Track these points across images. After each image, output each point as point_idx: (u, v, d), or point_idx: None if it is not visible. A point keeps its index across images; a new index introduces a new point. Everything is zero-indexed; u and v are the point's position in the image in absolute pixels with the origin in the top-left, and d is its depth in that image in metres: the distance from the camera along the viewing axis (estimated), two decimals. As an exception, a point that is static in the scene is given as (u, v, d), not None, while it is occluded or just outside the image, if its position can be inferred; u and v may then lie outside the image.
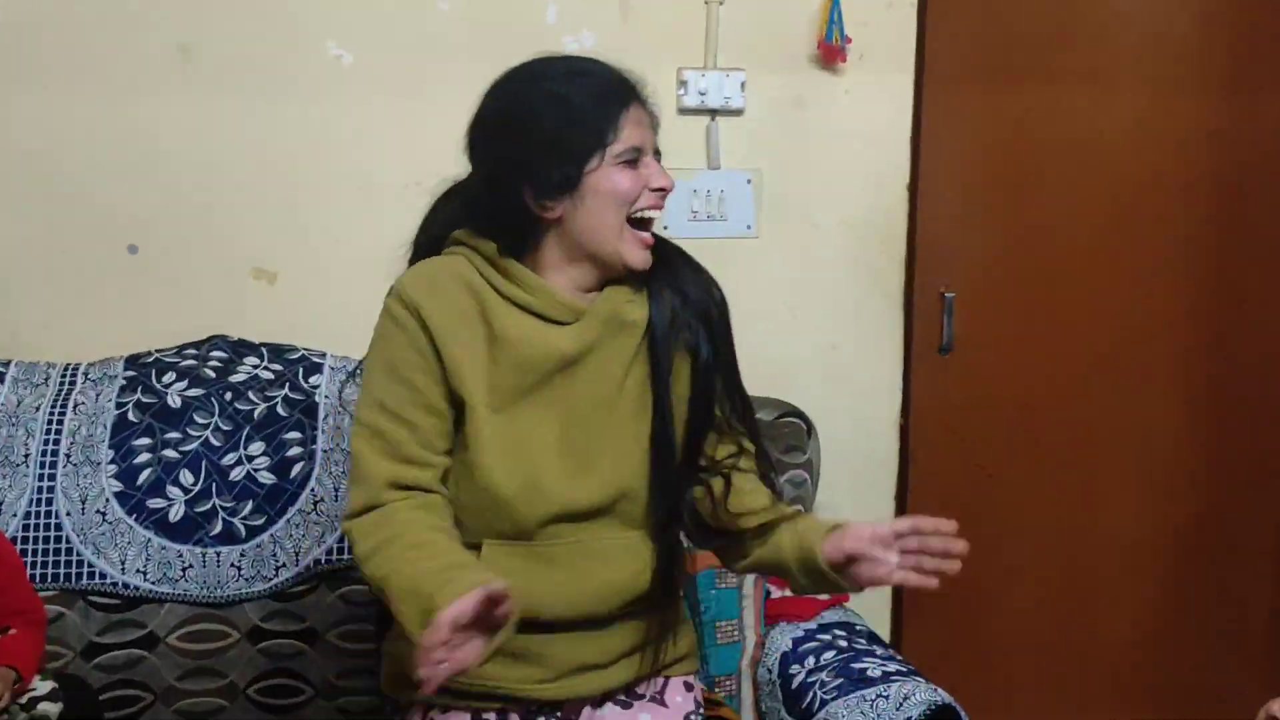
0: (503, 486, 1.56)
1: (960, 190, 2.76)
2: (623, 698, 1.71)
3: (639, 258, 1.56)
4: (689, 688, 1.77)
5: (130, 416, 2.26)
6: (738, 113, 2.62)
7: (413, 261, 1.69)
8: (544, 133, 1.53)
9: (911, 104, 2.68)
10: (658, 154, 1.60)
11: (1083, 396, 2.86)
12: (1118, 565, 2.91)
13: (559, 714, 1.69)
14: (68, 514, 2.17)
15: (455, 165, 2.43)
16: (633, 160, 1.54)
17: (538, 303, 1.58)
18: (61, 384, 2.31)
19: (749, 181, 2.65)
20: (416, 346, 1.55)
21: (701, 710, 1.77)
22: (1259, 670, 2.90)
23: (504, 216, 1.58)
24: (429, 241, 1.68)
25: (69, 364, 2.36)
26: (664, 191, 1.57)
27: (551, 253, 1.58)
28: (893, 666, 2.15)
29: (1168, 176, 2.81)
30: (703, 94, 2.57)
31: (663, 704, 1.71)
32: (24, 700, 1.90)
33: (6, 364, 2.32)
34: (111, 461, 2.21)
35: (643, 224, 1.58)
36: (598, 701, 1.70)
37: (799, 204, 2.70)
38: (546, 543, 1.59)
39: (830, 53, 2.57)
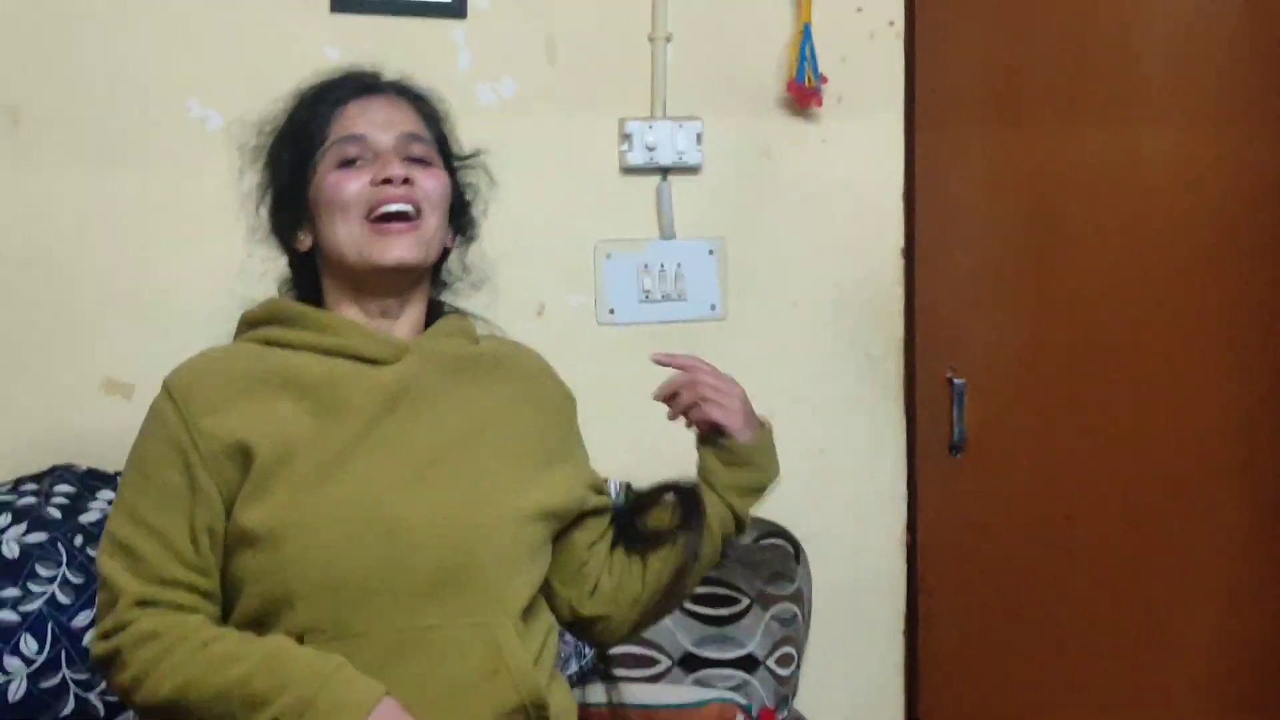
0: (330, 558, 1.35)
1: (966, 252, 2.60)
2: None
3: (391, 254, 1.38)
4: None
5: (-47, 574, 2.33)
6: (694, 170, 2.47)
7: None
8: (271, 158, 1.44)
9: (903, 150, 2.52)
10: (418, 142, 1.42)
11: (1126, 503, 2.65)
12: (1183, 703, 2.65)
13: None
14: (-128, 705, 2.26)
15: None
16: (351, 160, 1.39)
17: (343, 342, 1.39)
18: None
19: (711, 253, 2.51)
20: (179, 448, 1.33)
21: None
22: None
23: (294, 269, 1.47)
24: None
25: None
26: (393, 182, 1.37)
27: (332, 288, 1.44)
28: None
29: (1210, 219, 2.56)
30: (651, 149, 2.39)
31: None
32: None
33: None
34: (-74, 631, 2.29)
35: (390, 218, 1.44)
36: None
37: (772, 277, 2.58)
38: (383, 634, 1.32)
39: (802, 95, 2.40)
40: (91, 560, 2.00)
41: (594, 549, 1.55)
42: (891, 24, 2.51)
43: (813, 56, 2.38)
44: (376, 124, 1.40)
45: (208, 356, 1.48)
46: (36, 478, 2.15)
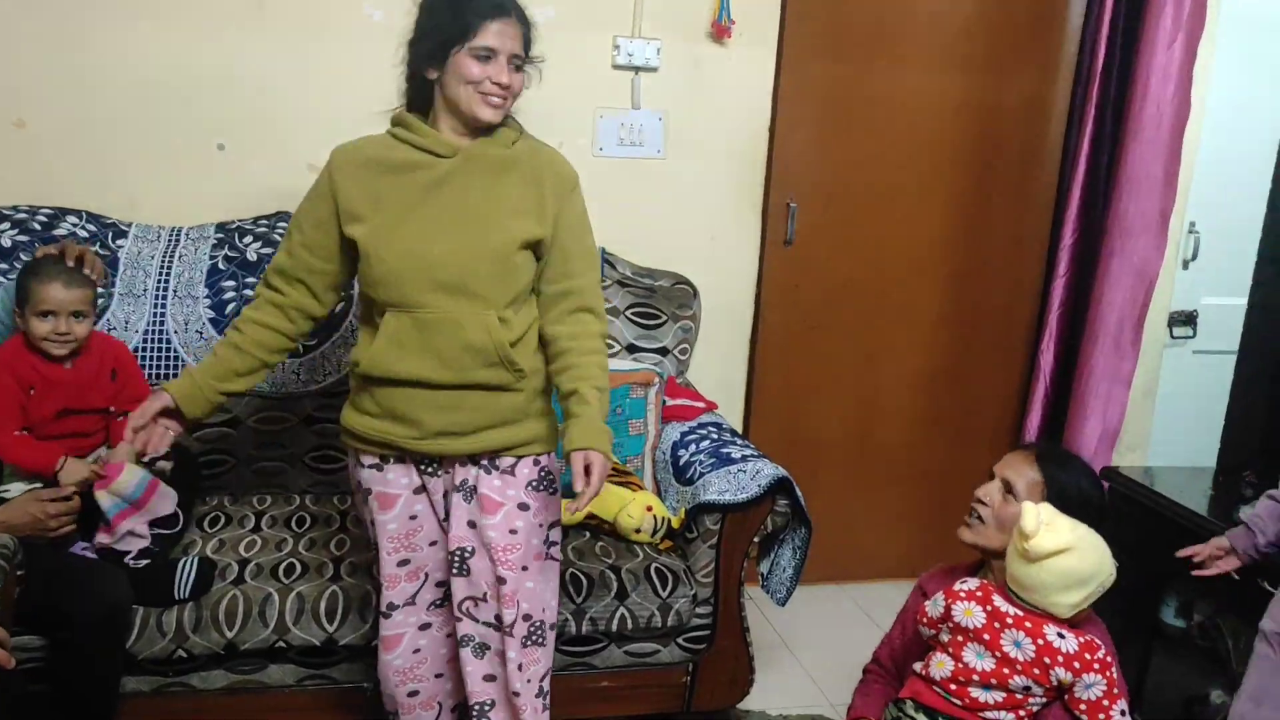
0: (390, 267, 1.75)
1: (803, 132, 3.03)
2: (485, 463, 1.84)
3: (487, 114, 1.75)
4: (536, 463, 1.86)
5: (220, 265, 2.55)
6: (654, 70, 2.86)
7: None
8: (433, 21, 1.76)
9: (774, 70, 2.97)
10: (517, 58, 1.75)
11: (879, 277, 3.20)
12: (894, 392, 3.32)
13: (437, 465, 1.87)
14: (175, 332, 2.49)
15: None
16: (486, 56, 1.71)
17: (423, 142, 1.77)
18: (169, 241, 2.60)
19: (660, 119, 2.91)
20: (321, 194, 1.81)
21: (545, 480, 1.88)
22: (985, 458, 3.25)
23: (411, 80, 1.82)
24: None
25: (174, 226, 2.63)
26: (501, 86, 1.74)
27: (439, 104, 1.78)
28: (749, 451, 2.42)
29: (943, 132, 3.15)
30: (630, 55, 2.83)
31: (511, 474, 1.84)
32: (146, 459, 2.14)
33: (129, 225, 2.58)
34: (206, 296, 2.53)
35: (488, 95, 1.74)
36: (463, 462, 1.84)
37: (695, 136, 2.92)
38: (425, 311, 1.74)
39: (720, 30, 2.88)
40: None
41: (540, 286, 1.86)
42: None
43: (728, 7, 2.84)
44: (503, 40, 1.72)
45: (357, 142, 1.83)
46: (267, 216, 2.69)
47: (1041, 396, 3.12)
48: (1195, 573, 1.92)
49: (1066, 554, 1.71)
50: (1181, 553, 1.92)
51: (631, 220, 2.90)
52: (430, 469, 1.86)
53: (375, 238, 1.74)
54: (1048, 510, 1.72)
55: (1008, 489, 1.84)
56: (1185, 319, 3.40)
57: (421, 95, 1.81)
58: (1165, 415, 3.44)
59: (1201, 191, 3.27)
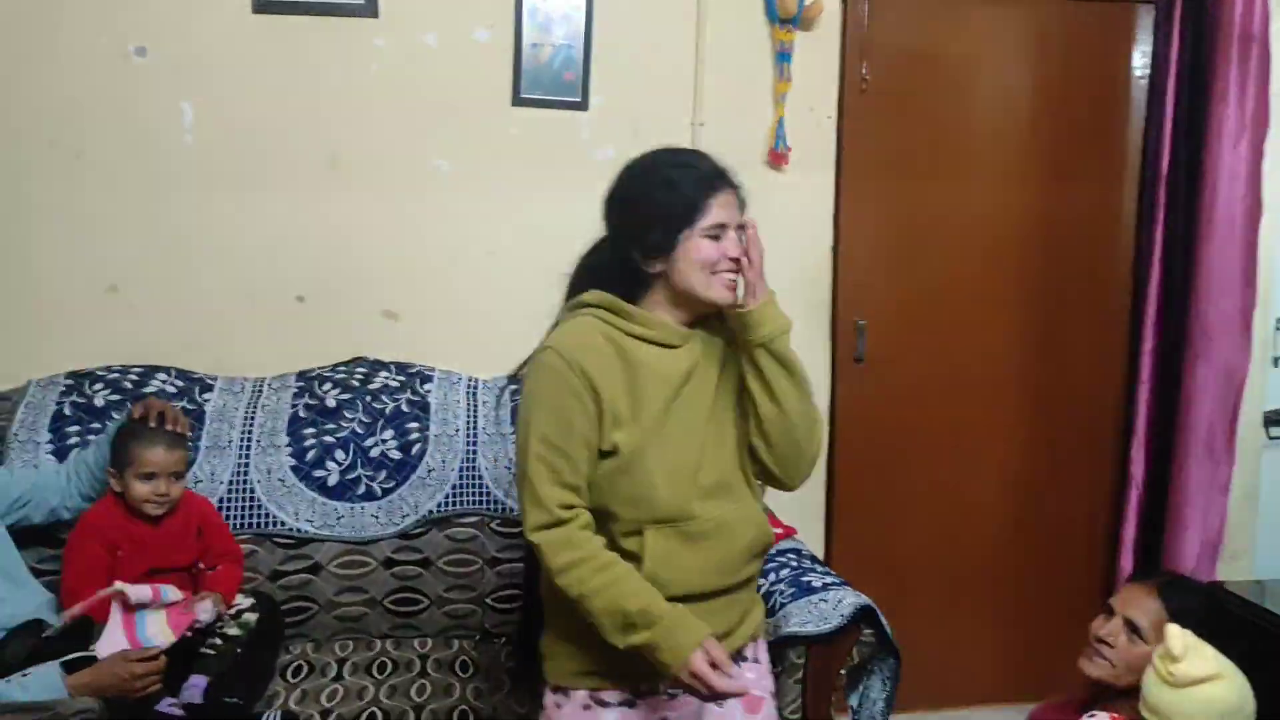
0: (659, 479, 1.60)
1: (867, 252, 3.03)
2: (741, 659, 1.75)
3: (725, 296, 1.63)
4: (756, 640, 1.80)
5: (300, 414, 2.59)
6: None
7: (568, 297, 1.73)
8: (653, 208, 1.61)
9: (833, 194, 2.99)
10: (741, 227, 1.65)
11: (955, 393, 3.17)
12: (980, 510, 3.24)
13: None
14: (258, 481, 2.51)
15: (516, 242, 2.70)
16: (716, 235, 1.61)
17: (658, 335, 1.64)
18: (253, 392, 2.65)
19: None
20: (577, 394, 1.58)
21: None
22: (1078, 573, 3.23)
23: (623, 271, 1.64)
24: (574, 284, 1.74)
25: (257, 378, 2.69)
26: (735, 262, 1.63)
27: (657, 296, 1.65)
28: (830, 579, 2.33)
29: (1010, 244, 3.14)
30: None
31: (756, 661, 1.79)
32: (232, 611, 2.22)
33: (214, 378, 2.65)
34: (288, 445, 2.56)
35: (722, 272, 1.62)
36: None
37: (765, 264, 3.06)
38: (694, 523, 1.62)
39: (776, 158, 2.91)
40: (375, 409, 2.56)
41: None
42: (829, 118, 2.94)
43: (784, 134, 2.87)
44: (730, 213, 1.63)
45: (575, 331, 1.63)
46: (346, 364, 2.74)
47: (1135, 507, 3.02)
48: None
49: (1214, 682, 1.64)
50: None
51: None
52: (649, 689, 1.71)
53: (639, 447, 1.61)
54: (1192, 636, 1.66)
55: (1132, 628, 1.79)
56: (1281, 418, 3.24)
57: (625, 283, 1.68)
58: (1269, 520, 3.26)
59: (1284, 286, 3.12)
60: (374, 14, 2.70)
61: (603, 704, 1.68)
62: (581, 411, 1.59)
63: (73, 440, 2.44)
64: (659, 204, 1.62)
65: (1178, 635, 1.66)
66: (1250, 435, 3.16)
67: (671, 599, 1.56)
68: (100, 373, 2.59)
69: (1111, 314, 3.21)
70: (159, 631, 2.05)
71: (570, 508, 1.60)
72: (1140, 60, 3.15)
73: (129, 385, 2.57)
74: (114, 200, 2.65)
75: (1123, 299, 3.17)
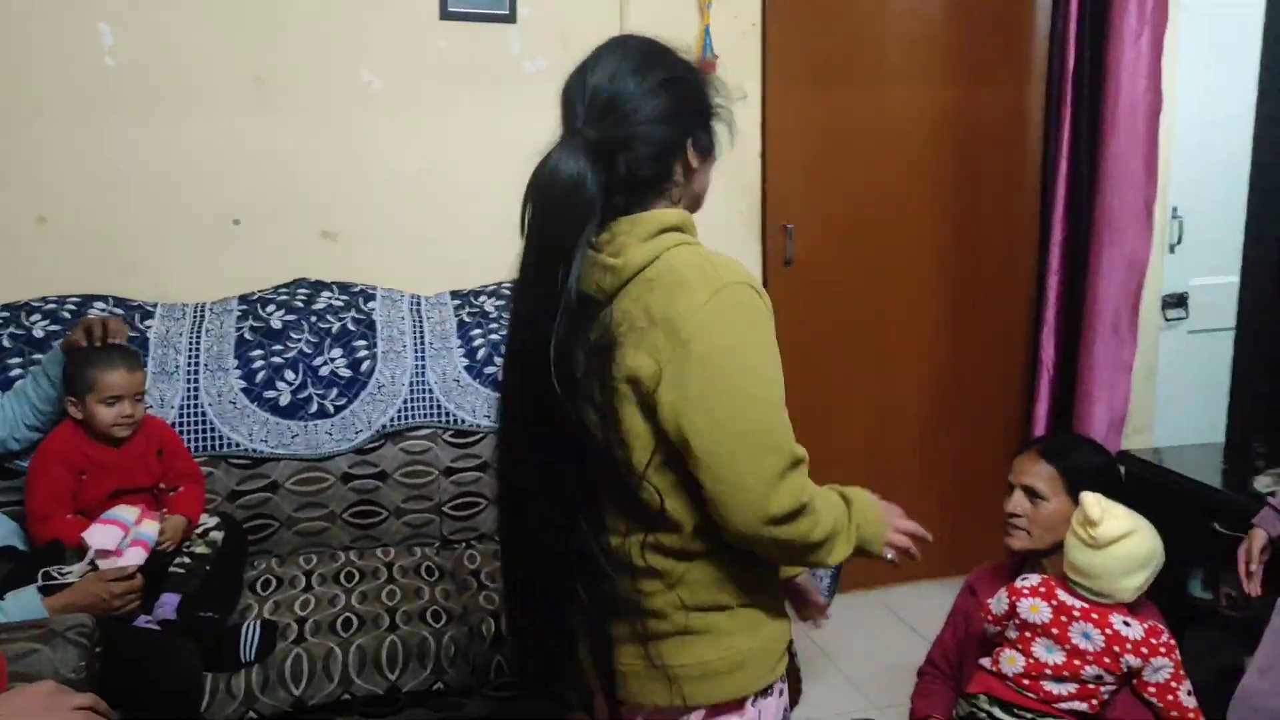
0: None
1: (794, 158, 3.13)
2: None
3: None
4: None
5: (246, 336, 2.60)
6: None
7: (574, 214, 1.30)
8: (710, 103, 1.40)
9: (760, 101, 3.07)
10: None
11: (879, 290, 3.30)
12: (905, 398, 3.42)
13: None
14: (209, 405, 2.53)
15: (452, 159, 2.73)
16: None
17: None
18: (195, 317, 2.65)
19: None
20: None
21: None
22: (998, 453, 3.19)
23: (667, 166, 1.34)
24: (587, 199, 1.30)
25: (198, 303, 2.68)
26: None
27: (684, 196, 1.39)
28: None
29: (926, 143, 3.26)
30: None
31: None
32: (199, 530, 2.27)
33: (154, 305, 2.64)
34: (236, 368, 2.57)
35: None
36: None
37: None
38: None
39: (707, 66, 2.89)
40: (321, 329, 2.58)
41: None
42: (753, 25, 3.00)
43: (710, 43, 2.92)
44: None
45: (736, 264, 1.32)
46: (287, 285, 2.73)
47: (1046, 389, 3.19)
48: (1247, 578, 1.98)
49: (1129, 538, 1.78)
50: (1240, 569, 1.98)
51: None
52: None
53: None
54: (1105, 500, 1.78)
55: (1031, 494, 1.88)
56: (1177, 301, 3.48)
57: (660, 190, 1.35)
58: (1166, 395, 3.51)
59: (1181, 178, 3.36)
60: (294, -70, 2.60)
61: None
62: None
63: (16, 373, 2.42)
64: (714, 94, 1.40)
65: (1093, 502, 1.79)
66: (1149, 318, 3.36)
67: None
68: (36, 304, 2.55)
69: (1023, 209, 3.35)
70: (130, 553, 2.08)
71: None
72: (1045, -40, 3.18)
73: (66, 315, 2.54)
74: (36, 128, 2.58)
75: (1033, 194, 3.31)
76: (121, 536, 2.06)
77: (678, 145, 1.35)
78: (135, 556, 2.06)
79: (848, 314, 3.28)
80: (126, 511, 2.11)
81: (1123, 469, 2.50)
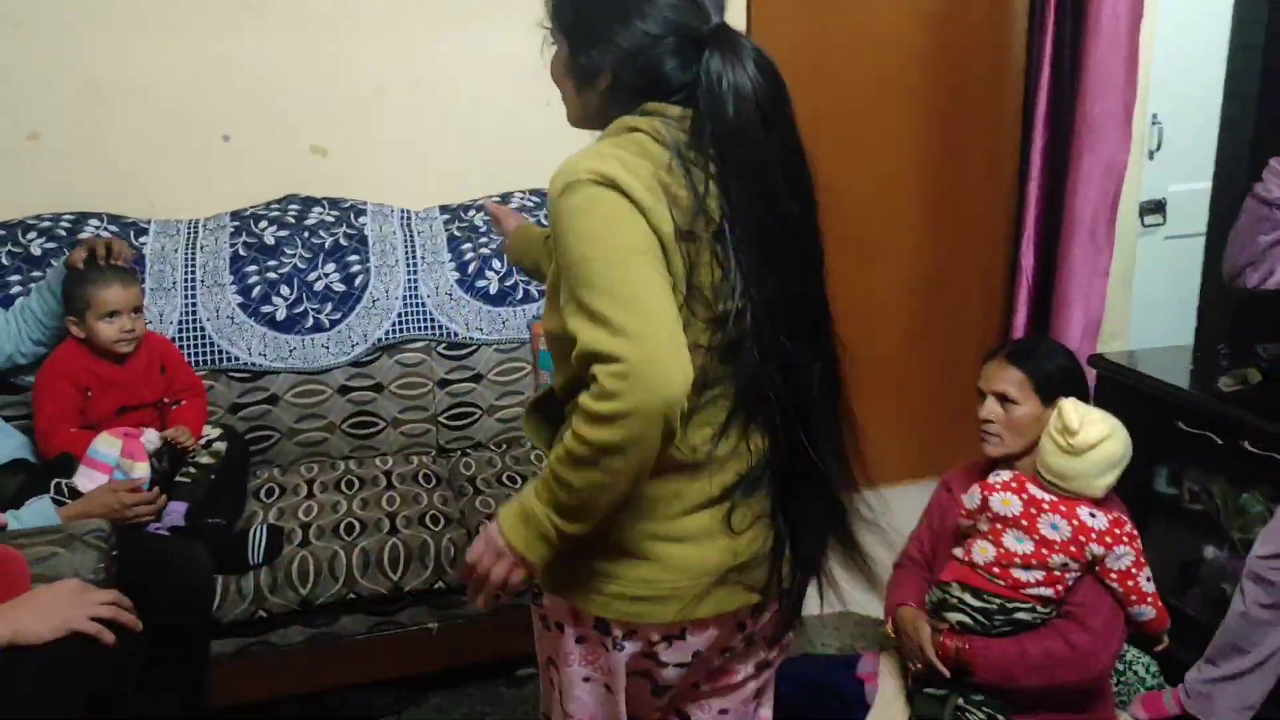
0: None
1: (781, 64, 3.27)
2: None
3: None
4: None
5: (241, 252, 2.63)
6: None
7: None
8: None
9: (745, 9, 3.07)
10: None
11: (862, 196, 3.32)
12: (886, 305, 3.47)
13: None
14: (208, 320, 2.58)
15: (440, 72, 2.76)
16: None
17: None
18: (189, 234, 2.68)
19: None
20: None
21: None
22: (977, 359, 3.45)
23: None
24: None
25: (191, 219, 2.70)
26: None
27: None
28: None
29: (911, 50, 3.29)
30: None
31: None
32: (203, 441, 2.33)
33: (148, 222, 2.66)
34: (232, 283, 2.61)
35: None
36: None
37: None
38: None
39: None
40: (314, 244, 2.62)
41: None
42: None
43: None
44: None
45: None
46: (279, 201, 2.76)
47: (1025, 295, 3.25)
48: None
49: (1106, 441, 1.87)
50: None
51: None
52: None
53: None
54: (1083, 406, 1.88)
55: (1002, 399, 1.93)
56: (1155, 207, 3.53)
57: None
58: (1142, 300, 3.58)
59: (1160, 85, 3.39)
60: None
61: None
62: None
63: (16, 290, 2.46)
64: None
65: (1070, 409, 1.87)
66: (1127, 224, 3.42)
67: None
68: (31, 221, 2.58)
69: (1006, 114, 3.37)
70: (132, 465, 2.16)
71: None
72: None
73: (62, 233, 2.56)
74: (25, 47, 2.58)
75: (1016, 100, 3.33)
76: (107, 478, 2.10)
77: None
78: (141, 471, 2.13)
79: (831, 220, 3.26)
80: (105, 445, 2.14)
81: (1094, 371, 2.54)
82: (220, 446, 2.34)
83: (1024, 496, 1.89)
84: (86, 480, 2.06)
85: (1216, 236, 2.63)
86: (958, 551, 1.96)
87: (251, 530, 2.19)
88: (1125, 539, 1.85)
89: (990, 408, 1.96)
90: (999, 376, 1.98)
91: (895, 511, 3.19)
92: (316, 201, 2.79)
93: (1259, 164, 2.17)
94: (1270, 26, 2.40)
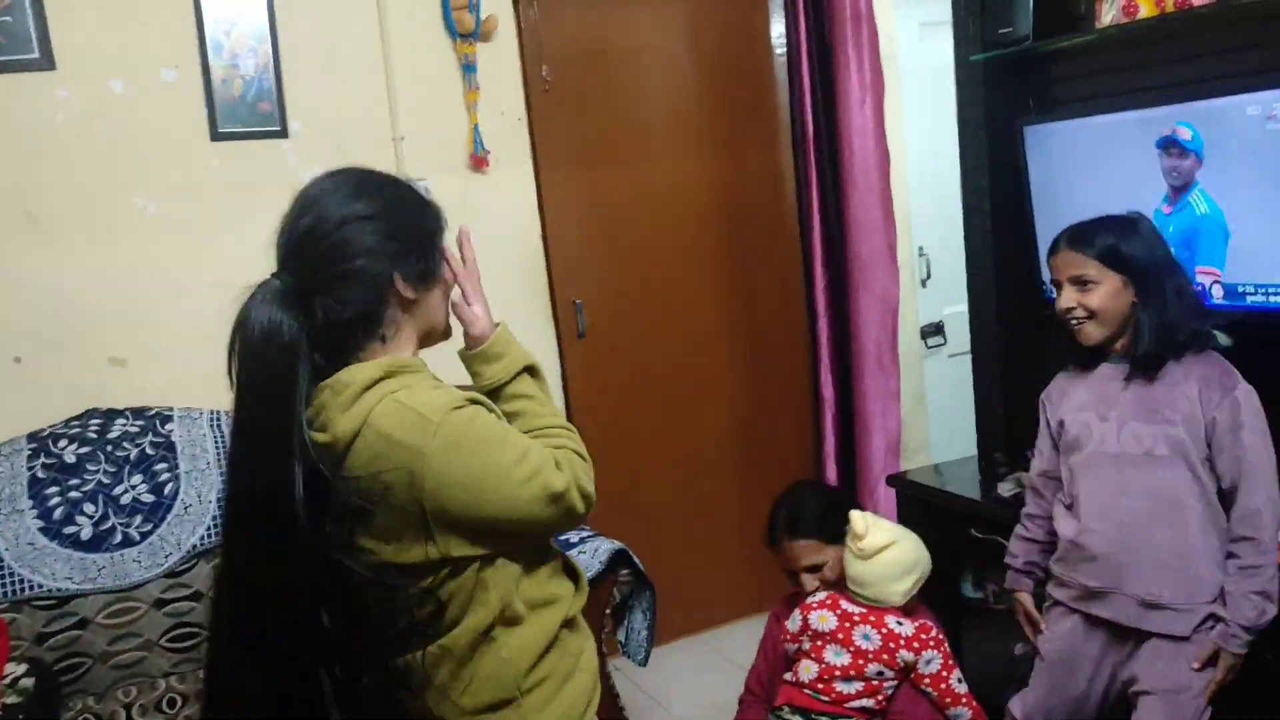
0: None
1: (574, 236, 3.29)
2: None
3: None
4: None
5: (39, 474, 2.54)
6: None
7: (276, 374, 1.26)
8: (426, 223, 1.36)
9: (534, 187, 3.24)
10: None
11: (670, 356, 3.51)
12: (706, 448, 3.62)
13: None
14: (6, 549, 2.48)
15: (240, 271, 2.79)
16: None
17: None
18: None
19: None
20: None
21: None
22: (791, 469, 3.00)
23: (372, 306, 1.30)
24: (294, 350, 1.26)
25: None
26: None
27: (405, 331, 1.35)
28: (585, 533, 2.57)
29: (695, 210, 3.51)
30: None
31: None
32: (7, 681, 2.19)
33: None
34: (31, 508, 2.51)
35: None
36: None
37: (479, 255, 3.24)
38: None
39: (479, 161, 3.10)
40: (119, 457, 2.57)
41: None
42: (520, 119, 3.16)
43: (480, 140, 3.06)
44: None
45: (448, 391, 1.32)
46: (78, 417, 2.71)
47: (831, 423, 3.44)
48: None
49: (892, 547, 2.02)
50: (1028, 632, 2.09)
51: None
52: None
53: None
54: (871, 515, 2.04)
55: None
56: (935, 329, 3.83)
57: (373, 328, 1.33)
58: (938, 414, 3.83)
59: (922, 221, 3.76)
60: (51, 66, 2.66)
61: None
62: None
63: None
64: (430, 218, 1.37)
65: (858, 518, 2.03)
66: (911, 347, 3.69)
67: None
68: None
69: (789, 260, 3.62)
70: None
71: None
72: (779, 39, 3.58)
73: None
74: None
75: (795, 246, 3.57)
76: None
77: (382, 281, 1.29)
78: None
79: (643, 378, 3.46)
80: None
81: (894, 490, 2.72)
82: (27, 683, 2.23)
83: (838, 611, 2.01)
84: None
85: (979, 355, 2.90)
86: (787, 675, 2.05)
87: (62, 772, 2.02)
88: (932, 644, 1.97)
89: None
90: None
91: (739, 647, 3.25)
92: (119, 413, 2.73)
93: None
94: (992, 169, 2.72)
